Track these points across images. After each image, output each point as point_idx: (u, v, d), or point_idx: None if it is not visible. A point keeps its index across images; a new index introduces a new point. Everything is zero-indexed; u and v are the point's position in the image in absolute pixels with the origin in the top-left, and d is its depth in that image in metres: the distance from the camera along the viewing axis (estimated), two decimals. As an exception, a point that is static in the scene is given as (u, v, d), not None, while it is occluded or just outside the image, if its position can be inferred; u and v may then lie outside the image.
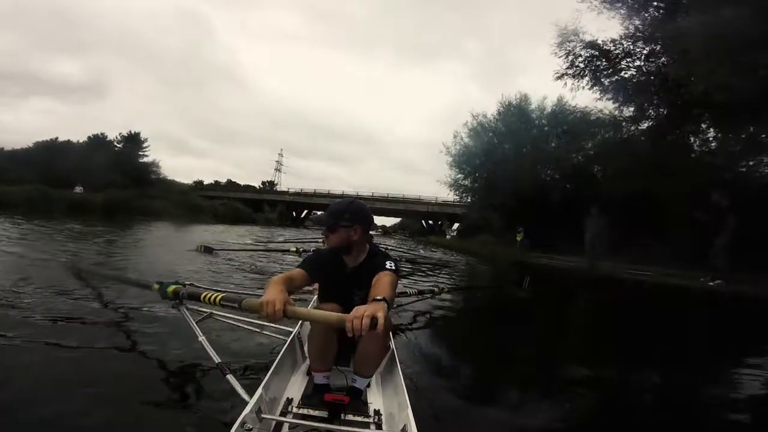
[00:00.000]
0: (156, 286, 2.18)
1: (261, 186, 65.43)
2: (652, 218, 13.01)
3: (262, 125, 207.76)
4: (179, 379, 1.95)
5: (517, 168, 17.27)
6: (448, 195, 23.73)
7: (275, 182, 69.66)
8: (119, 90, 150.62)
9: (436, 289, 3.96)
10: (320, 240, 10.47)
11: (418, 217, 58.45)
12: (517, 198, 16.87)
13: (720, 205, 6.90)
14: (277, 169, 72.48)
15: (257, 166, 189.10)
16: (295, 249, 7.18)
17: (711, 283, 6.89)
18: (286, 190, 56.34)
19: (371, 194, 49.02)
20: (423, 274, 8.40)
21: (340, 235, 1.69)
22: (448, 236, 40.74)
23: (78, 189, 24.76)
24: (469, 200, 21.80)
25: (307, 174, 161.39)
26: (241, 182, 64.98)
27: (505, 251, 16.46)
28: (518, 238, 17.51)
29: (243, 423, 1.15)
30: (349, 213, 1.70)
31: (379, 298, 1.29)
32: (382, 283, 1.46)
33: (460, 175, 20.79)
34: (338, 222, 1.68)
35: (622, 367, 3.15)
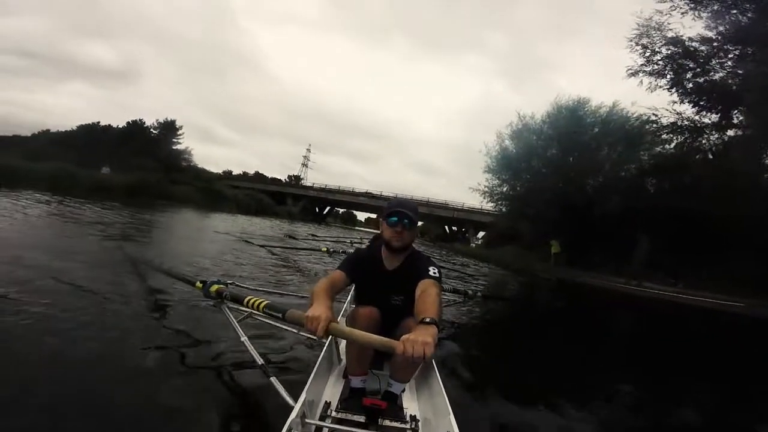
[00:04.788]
0: (199, 285, 2.22)
1: (287, 180, 66.00)
2: (708, 240, 11.56)
3: (283, 117, 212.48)
4: (225, 380, 1.94)
5: (561, 176, 15.74)
6: (480, 203, 22.21)
7: (301, 177, 70.00)
8: (148, 75, 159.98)
9: (470, 292, 3.95)
10: (347, 240, 10.13)
11: (440, 223, 57.04)
12: (561, 208, 15.29)
13: None
14: (304, 164, 72.42)
15: (281, 159, 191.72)
16: (325, 249, 7.13)
17: None
18: (311, 185, 56.31)
19: (395, 195, 48.11)
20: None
21: (414, 232, 1.65)
22: (473, 244, 39.27)
23: (105, 170, 25.31)
24: (503, 209, 20.18)
25: (328, 170, 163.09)
26: (269, 175, 65.98)
27: (541, 265, 15.03)
28: (553, 251, 16.01)
29: (289, 429, 1.16)
30: (414, 210, 1.64)
31: (428, 320, 1.20)
32: (429, 299, 1.34)
33: (496, 181, 19.23)
34: (416, 218, 1.63)
35: (666, 384, 3.18)
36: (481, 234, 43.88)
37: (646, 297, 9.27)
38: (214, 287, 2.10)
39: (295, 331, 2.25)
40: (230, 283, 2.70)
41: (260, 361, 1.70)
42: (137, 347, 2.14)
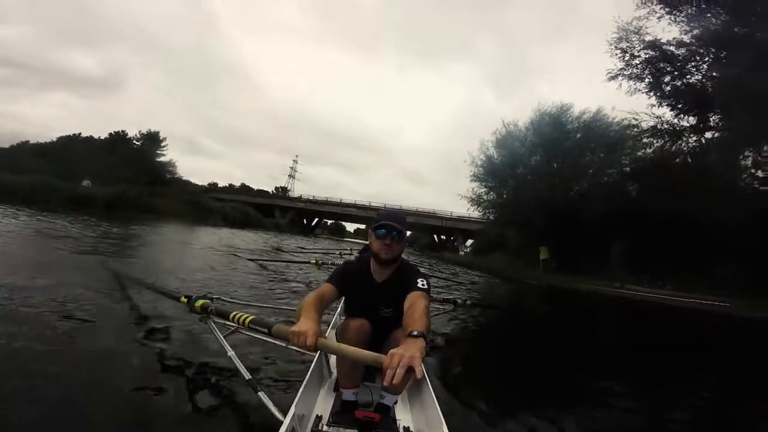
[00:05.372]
0: (184, 300, 2.22)
1: (274, 191, 65.33)
2: (693, 242, 11.88)
3: (270, 128, 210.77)
4: (211, 396, 1.90)
5: (547, 183, 16.01)
6: (468, 210, 22.36)
7: (288, 188, 69.35)
8: (132, 86, 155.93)
9: (459, 301, 3.89)
10: (337, 252, 10.04)
11: (429, 231, 57.18)
12: (547, 214, 15.51)
13: None
14: (291, 176, 71.82)
15: (267, 171, 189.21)
16: (314, 261, 7.13)
17: None
18: (298, 196, 55.85)
19: (383, 205, 48.08)
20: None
21: (403, 245, 1.66)
22: (461, 252, 39.42)
23: (86, 183, 24.60)
24: (491, 216, 20.35)
25: (315, 181, 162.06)
26: (256, 187, 65.16)
27: (530, 272, 15.14)
28: (541, 257, 16.17)
29: None
30: (404, 222, 1.65)
31: (415, 333, 1.19)
32: (417, 312, 1.35)
33: (483, 189, 19.43)
34: (405, 230, 1.64)
35: (660, 386, 3.18)
36: (469, 242, 44.09)
37: (636, 300, 9.38)
38: (199, 302, 2.08)
39: (283, 345, 2.18)
40: (216, 298, 2.67)
41: (247, 375, 1.65)
42: (121, 363, 2.12)
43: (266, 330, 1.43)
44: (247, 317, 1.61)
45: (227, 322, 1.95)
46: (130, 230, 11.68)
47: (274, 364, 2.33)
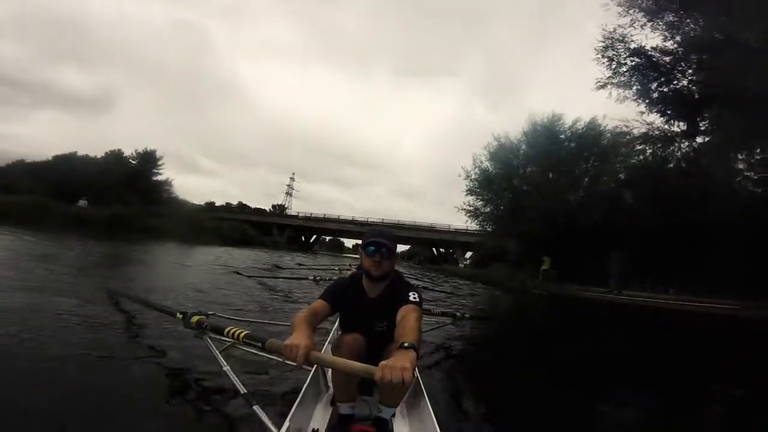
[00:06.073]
0: (179, 316, 2.21)
1: (271, 209, 65.29)
2: (694, 246, 11.90)
3: (265, 146, 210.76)
4: (206, 410, 1.92)
5: (543, 193, 16.10)
6: (466, 223, 22.36)
7: (285, 206, 69.35)
8: (125, 104, 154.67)
9: (458, 314, 3.84)
10: (336, 268, 9.93)
11: (428, 245, 57.02)
12: (546, 224, 15.54)
13: None
14: (288, 193, 71.83)
15: (264, 188, 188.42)
16: (312, 277, 7.14)
17: None
18: (295, 214, 55.80)
19: (381, 220, 48.08)
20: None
21: (393, 261, 1.69)
22: (461, 265, 39.24)
23: (82, 202, 24.46)
24: (488, 228, 20.34)
25: (312, 198, 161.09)
26: (252, 205, 65.09)
27: (531, 282, 15.04)
28: (543, 267, 16.10)
29: None
30: (393, 239, 1.68)
31: (406, 345, 1.22)
32: (408, 324, 1.38)
33: (480, 202, 19.47)
34: (395, 247, 1.67)
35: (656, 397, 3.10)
36: (469, 254, 44.00)
37: (639, 306, 9.28)
38: (195, 318, 2.11)
39: (279, 360, 2.19)
40: (211, 314, 2.71)
41: (243, 390, 1.67)
42: (118, 377, 2.13)
43: (260, 344, 1.45)
44: (242, 332, 1.64)
45: (222, 338, 1.96)
46: (127, 250, 11.57)
47: (270, 379, 2.33)
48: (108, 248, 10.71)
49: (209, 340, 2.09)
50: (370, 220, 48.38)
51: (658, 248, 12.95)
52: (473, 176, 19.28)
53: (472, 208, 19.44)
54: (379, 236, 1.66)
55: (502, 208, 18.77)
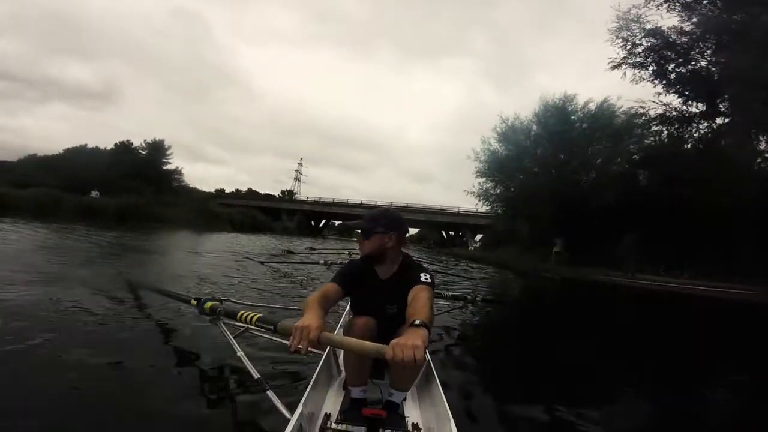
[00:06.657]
0: (193, 302, 2.27)
1: (280, 195, 65.60)
2: (710, 229, 11.55)
3: (272, 132, 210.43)
4: (221, 395, 1.95)
5: (555, 174, 15.72)
6: (476, 206, 22.07)
7: (294, 191, 69.58)
8: (130, 96, 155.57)
9: (469, 297, 3.80)
10: (345, 252, 9.98)
11: (437, 228, 56.88)
12: (558, 206, 15.23)
13: None
14: (297, 178, 72.09)
15: (273, 174, 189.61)
16: (323, 262, 7.14)
17: None
18: (304, 199, 56.02)
19: (390, 204, 47.90)
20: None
21: (374, 242, 1.66)
22: (471, 247, 39.16)
23: (94, 194, 24.88)
24: (499, 211, 20.07)
25: (320, 182, 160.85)
26: (261, 191, 65.46)
27: (543, 265, 14.91)
28: (555, 250, 15.91)
29: None
30: (385, 220, 1.68)
31: (418, 323, 1.20)
32: (419, 303, 1.37)
33: (489, 184, 19.17)
34: (374, 228, 1.66)
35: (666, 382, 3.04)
36: (479, 236, 43.80)
37: (652, 290, 9.14)
38: (209, 304, 2.15)
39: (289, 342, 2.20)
40: (225, 300, 2.74)
41: (256, 374, 1.70)
42: (134, 362, 2.19)
43: (272, 327, 1.46)
44: (254, 315, 1.65)
45: (236, 323, 1.99)
46: (140, 239, 11.77)
47: (284, 364, 2.35)
48: (121, 238, 10.88)
49: (223, 325, 2.13)
50: (378, 203, 48.24)
51: (672, 231, 12.64)
52: (483, 157, 18.96)
53: (482, 190, 19.19)
54: (364, 219, 1.72)
55: (512, 189, 18.45)
